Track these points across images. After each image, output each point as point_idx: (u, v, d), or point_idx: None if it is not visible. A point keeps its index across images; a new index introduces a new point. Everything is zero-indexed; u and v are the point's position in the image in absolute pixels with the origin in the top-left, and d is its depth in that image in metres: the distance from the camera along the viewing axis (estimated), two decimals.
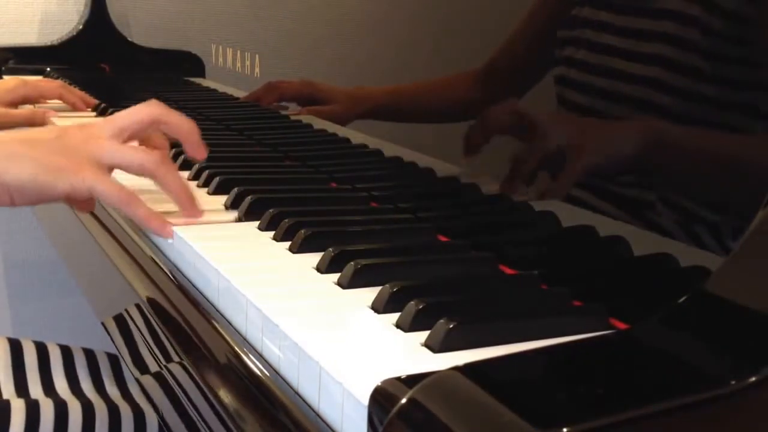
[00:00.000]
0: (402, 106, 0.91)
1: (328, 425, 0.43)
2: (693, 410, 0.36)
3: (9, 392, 0.92)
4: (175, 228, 0.68)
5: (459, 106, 0.82)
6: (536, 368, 0.40)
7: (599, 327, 0.50)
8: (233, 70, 1.30)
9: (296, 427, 0.44)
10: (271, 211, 0.69)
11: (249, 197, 0.73)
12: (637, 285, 0.56)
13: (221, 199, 0.77)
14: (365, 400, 0.40)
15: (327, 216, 0.71)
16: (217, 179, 0.80)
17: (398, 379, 0.39)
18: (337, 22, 1.04)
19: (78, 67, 1.67)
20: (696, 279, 0.53)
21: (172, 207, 0.72)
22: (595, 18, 0.65)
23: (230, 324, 0.56)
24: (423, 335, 0.47)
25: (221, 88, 1.38)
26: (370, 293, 0.54)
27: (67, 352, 1.01)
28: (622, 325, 0.51)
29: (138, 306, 0.69)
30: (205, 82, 1.44)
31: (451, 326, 0.46)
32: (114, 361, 1.01)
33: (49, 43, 1.74)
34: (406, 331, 0.49)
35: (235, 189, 0.76)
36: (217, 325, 0.56)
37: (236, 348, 0.52)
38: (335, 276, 0.57)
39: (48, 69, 1.65)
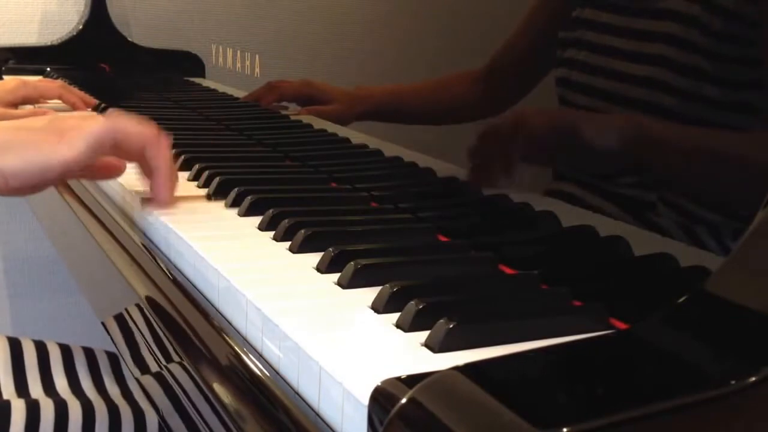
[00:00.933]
0: (402, 107, 0.91)
1: (328, 425, 0.43)
2: (693, 410, 0.36)
3: (9, 392, 0.92)
4: (175, 228, 0.68)
5: (460, 107, 0.81)
6: (536, 368, 0.39)
7: (599, 327, 0.50)
8: (233, 70, 1.30)
9: (296, 427, 0.44)
10: (271, 211, 0.69)
11: (249, 197, 0.73)
12: (638, 285, 0.56)
13: (222, 200, 0.77)
14: (365, 400, 0.40)
15: (327, 216, 0.71)
16: (217, 179, 0.80)
17: (398, 379, 0.39)
18: (337, 22, 1.04)
19: (78, 67, 1.67)
20: (696, 279, 0.53)
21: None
22: (596, 19, 0.65)
23: (230, 324, 0.56)
24: (423, 335, 0.47)
25: (221, 88, 1.37)
26: (370, 293, 0.54)
27: (66, 351, 1.01)
28: (622, 325, 0.51)
29: (138, 306, 0.69)
30: (205, 82, 1.44)
31: (451, 326, 0.46)
32: (114, 360, 1.01)
33: (49, 43, 1.74)
34: (406, 331, 0.49)
35: (236, 189, 0.76)
36: (217, 325, 0.56)
37: (236, 348, 0.52)
38: (335, 276, 0.57)
39: (48, 69, 1.65)
